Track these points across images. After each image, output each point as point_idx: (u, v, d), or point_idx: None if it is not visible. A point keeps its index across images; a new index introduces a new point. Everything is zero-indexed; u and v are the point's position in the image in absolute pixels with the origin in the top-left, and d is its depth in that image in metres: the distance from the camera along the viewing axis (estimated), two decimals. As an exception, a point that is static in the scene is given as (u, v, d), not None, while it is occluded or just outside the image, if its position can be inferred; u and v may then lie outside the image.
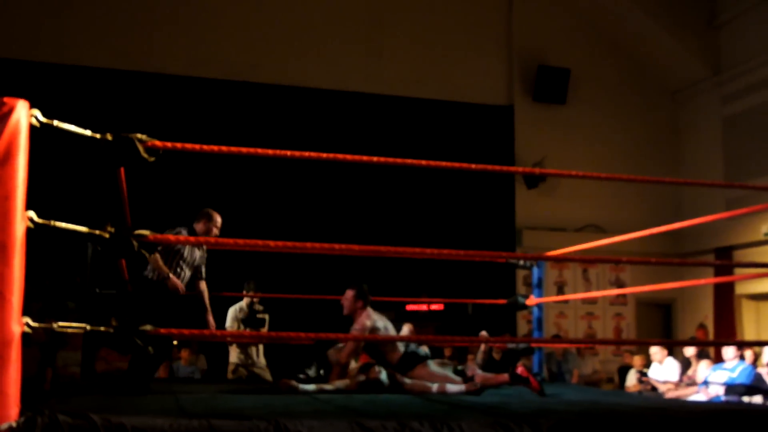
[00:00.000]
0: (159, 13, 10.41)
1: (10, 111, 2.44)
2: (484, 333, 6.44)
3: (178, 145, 2.99)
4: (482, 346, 6.14)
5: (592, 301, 11.72)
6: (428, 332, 9.37)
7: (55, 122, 2.67)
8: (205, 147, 3.07)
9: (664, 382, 8.34)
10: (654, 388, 8.42)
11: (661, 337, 12.09)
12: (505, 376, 5.12)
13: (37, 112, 2.56)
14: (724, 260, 10.67)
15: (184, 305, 4.88)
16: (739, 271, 10.20)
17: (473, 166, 3.57)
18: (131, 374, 4.50)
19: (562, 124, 11.84)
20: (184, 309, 4.85)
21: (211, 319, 5.15)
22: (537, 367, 6.26)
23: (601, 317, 11.79)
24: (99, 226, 2.83)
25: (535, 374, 5.16)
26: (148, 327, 2.84)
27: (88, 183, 7.82)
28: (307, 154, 3.22)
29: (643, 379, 8.65)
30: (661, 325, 12.33)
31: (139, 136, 2.86)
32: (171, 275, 4.74)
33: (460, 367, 5.27)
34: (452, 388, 4.84)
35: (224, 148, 3.11)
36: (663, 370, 8.54)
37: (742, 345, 7.66)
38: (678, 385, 8.24)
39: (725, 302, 11.08)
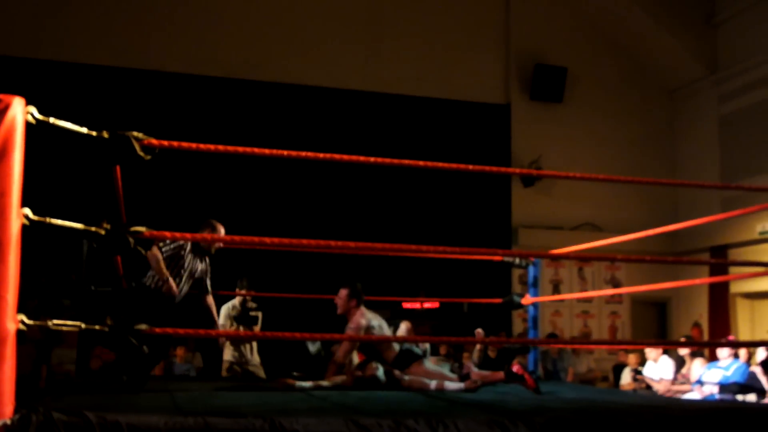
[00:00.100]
0: (158, 11, 10.39)
1: (6, 108, 2.44)
2: (479, 331, 6.44)
3: (175, 143, 2.98)
4: (478, 344, 6.15)
5: (588, 300, 11.74)
6: (424, 330, 9.37)
7: (51, 119, 2.66)
8: (202, 146, 3.07)
9: (659, 381, 8.36)
10: (649, 387, 8.44)
11: (657, 335, 12.11)
12: (501, 374, 5.13)
13: (33, 109, 2.55)
14: (719, 259, 10.70)
15: (181, 314, 4.86)
16: (734, 270, 10.23)
17: (470, 166, 3.57)
18: (119, 371, 4.47)
19: (558, 122, 11.85)
20: (180, 318, 4.83)
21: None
22: (532, 365, 6.27)
23: (597, 316, 11.81)
24: (95, 223, 2.82)
25: (531, 372, 5.16)
26: (143, 326, 2.84)
27: (84, 180, 7.81)
28: (303, 153, 3.22)
29: (638, 377, 8.67)
30: (656, 323, 12.36)
31: (135, 134, 2.85)
32: (170, 278, 4.72)
33: (456, 365, 5.27)
34: (450, 385, 4.84)
35: (221, 147, 3.10)
36: (658, 368, 8.56)
37: (736, 346, 7.67)
38: (672, 383, 8.26)
39: (720, 301, 11.11)
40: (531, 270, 6.32)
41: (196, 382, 5.91)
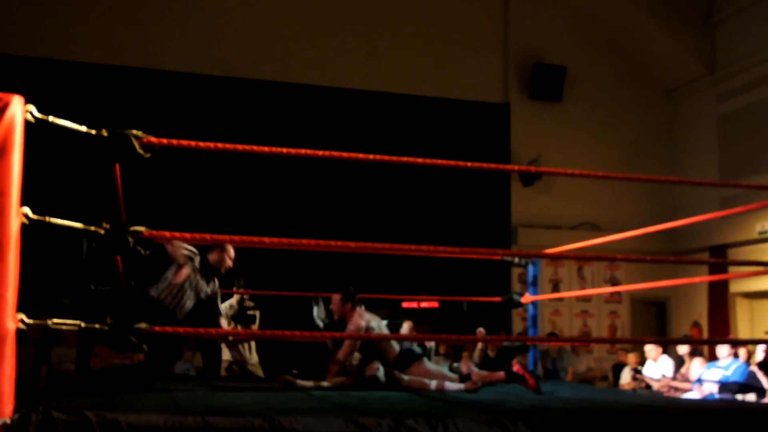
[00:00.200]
0: (157, 9, 10.38)
1: (5, 106, 2.43)
2: (481, 330, 6.44)
3: (174, 141, 2.98)
4: (479, 344, 6.14)
5: (587, 299, 11.74)
6: (424, 329, 9.36)
7: (51, 118, 2.66)
8: (201, 144, 3.07)
9: (659, 380, 8.36)
10: (648, 386, 8.44)
11: (656, 335, 12.12)
12: (502, 374, 5.13)
13: (32, 108, 2.55)
14: (719, 258, 10.70)
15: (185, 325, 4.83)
16: (734, 270, 10.23)
17: (469, 164, 3.57)
18: (141, 372, 4.46)
19: (557, 121, 11.85)
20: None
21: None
22: (532, 364, 6.27)
23: (596, 315, 11.81)
24: (94, 222, 2.82)
25: (531, 372, 5.16)
26: (143, 325, 2.83)
27: (84, 179, 7.80)
28: (303, 151, 3.21)
29: (638, 376, 8.67)
30: (655, 323, 12.36)
31: (134, 132, 2.85)
32: (185, 265, 4.68)
33: (456, 365, 5.27)
34: (451, 386, 4.84)
35: (220, 145, 3.10)
36: (657, 367, 8.56)
37: (735, 344, 7.67)
38: (672, 382, 8.26)
39: (719, 300, 11.11)
40: (530, 269, 6.32)
41: (196, 382, 5.91)
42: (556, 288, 11.57)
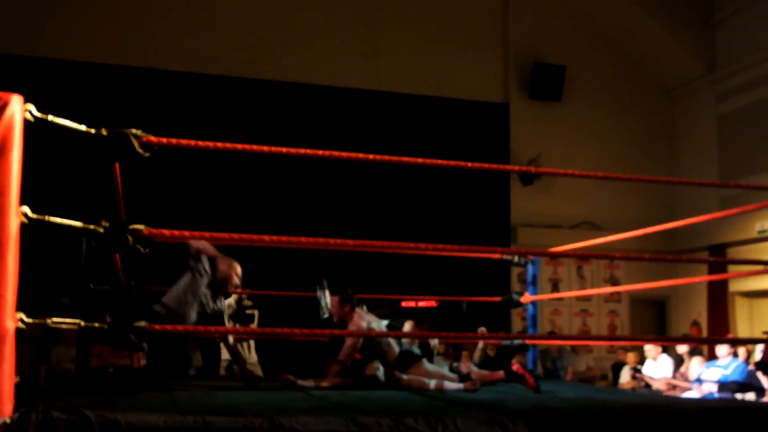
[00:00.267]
0: (157, 8, 10.38)
1: (5, 105, 2.43)
2: (482, 329, 6.43)
3: (173, 140, 2.98)
4: (480, 344, 6.14)
5: (587, 299, 11.75)
6: (423, 329, 9.36)
7: (50, 117, 2.65)
8: (201, 143, 3.06)
9: (658, 379, 8.36)
10: (648, 385, 8.44)
11: (656, 334, 12.12)
12: (502, 374, 5.13)
13: (31, 107, 2.54)
14: (718, 258, 10.71)
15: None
16: (733, 269, 10.23)
17: (469, 164, 3.57)
18: (144, 376, 4.44)
19: (557, 121, 11.86)
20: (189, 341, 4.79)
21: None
22: (531, 364, 6.27)
23: (596, 314, 11.81)
24: (94, 221, 2.82)
25: (531, 371, 5.16)
26: (142, 323, 2.83)
27: (83, 178, 7.80)
28: (302, 151, 3.21)
29: (637, 375, 8.67)
30: (655, 322, 12.37)
31: (134, 131, 2.85)
32: (213, 258, 4.66)
33: (455, 364, 5.27)
34: (450, 385, 4.84)
35: (219, 145, 3.10)
36: (657, 366, 8.56)
37: (734, 343, 7.68)
38: (671, 381, 8.26)
39: (719, 299, 11.12)
40: (530, 268, 6.32)
41: (195, 381, 5.90)
42: (555, 287, 11.57)
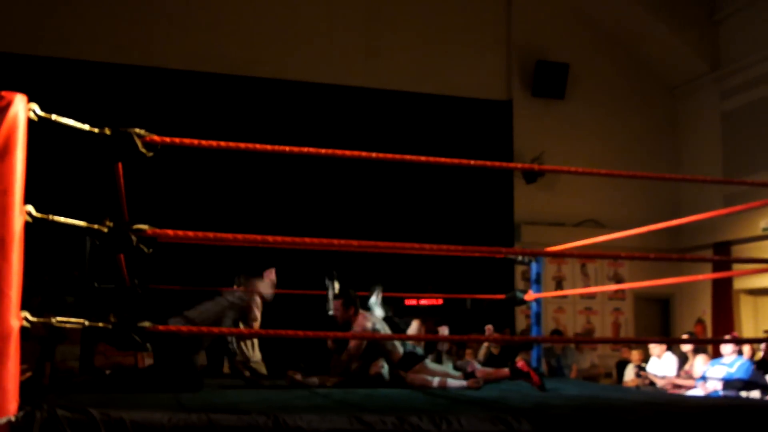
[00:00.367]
0: (159, 7, 10.39)
1: (8, 105, 2.44)
2: (489, 327, 6.43)
3: (177, 140, 2.98)
4: (485, 342, 6.14)
5: (591, 296, 11.74)
6: (428, 327, 9.35)
7: (53, 116, 2.66)
8: (204, 142, 3.06)
9: (662, 377, 8.35)
10: (652, 383, 8.43)
11: (660, 332, 12.10)
12: (506, 371, 5.13)
13: (35, 106, 2.55)
14: (723, 256, 10.68)
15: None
16: (738, 267, 10.20)
17: (472, 162, 3.57)
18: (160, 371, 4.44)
19: (560, 119, 11.84)
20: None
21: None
22: (536, 361, 6.27)
23: (600, 312, 11.80)
24: (97, 220, 2.82)
25: (535, 369, 5.16)
26: (146, 323, 2.83)
27: (87, 177, 7.80)
28: (305, 149, 3.21)
29: (641, 373, 8.66)
30: (659, 320, 12.35)
31: (137, 130, 2.85)
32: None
33: (459, 362, 5.27)
34: (453, 383, 4.84)
35: (222, 144, 3.10)
36: (661, 364, 8.55)
37: (739, 342, 7.66)
38: (676, 379, 8.25)
39: (723, 297, 11.09)
40: (534, 266, 6.32)
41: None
42: (559, 285, 11.56)
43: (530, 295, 6.29)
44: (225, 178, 9.88)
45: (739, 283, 10.97)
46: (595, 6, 12.07)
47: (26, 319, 2.47)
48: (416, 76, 11.21)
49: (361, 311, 5.32)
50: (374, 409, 3.16)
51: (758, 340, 8.85)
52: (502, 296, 6.57)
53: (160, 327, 2.93)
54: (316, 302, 6.62)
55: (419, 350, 5.26)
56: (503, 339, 7.74)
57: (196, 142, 3.05)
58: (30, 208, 2.53)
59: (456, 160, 3.56)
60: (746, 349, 7.81)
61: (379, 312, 5.68)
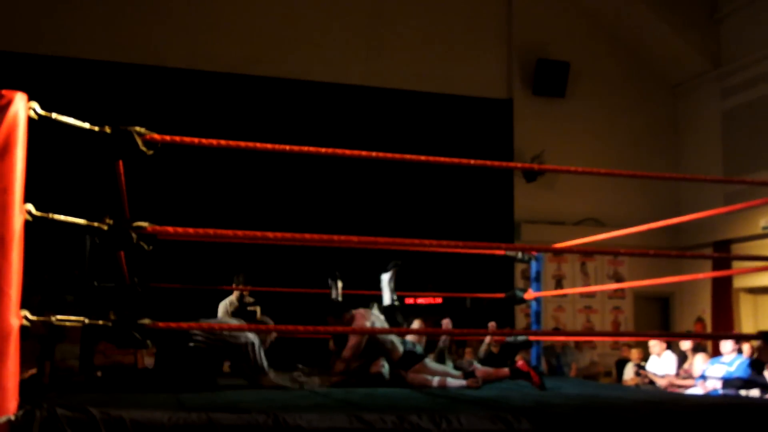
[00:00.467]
0: (159, 6, 10.39)
1: (9, 103, 2.44)
2: (493, 324, 6.41)
3: (177, 138, 2.98)
4: (487, 339, 6.14)
5: (591, 295, 11.74)
6: (428, 326, 9.34)
7: (54, 115, 2.66)
8: (204, 140, 3.06)
9: (662, 376, 8.35)
10: (652, 382, 8.43)
11: (659, 330, 12.09)
12: (506, 371, 5.13)
13: (35, 105, 2.55)
14: (723, 254, 10.68)
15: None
16: (737, 265, 10.19)
17: (473, 161, 3.57)
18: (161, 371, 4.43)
19: (561, 117, 11.84)
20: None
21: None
22: (535, 360, 6.27)
23: (600, 311, 11.81)
24: (97, 218, 2.82)
25: (535, 368, 5.16)
26: (146, 321, 2.83)
27: (87, 176, 7.80)
28: (306, 148, 3.21)
29: (641, 372, 8.66)
30: (659, 318, 12.35)
31: (137, 129, 2.85)
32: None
33: (459, 361, 5.27)
34: (453, 382, 4.84)
35: (223, 142, 3.10)
36: (661, 363, 8.55)
37: (739, 339, 7.66)
38: (675, 378, 8.25)
39: (723, 296, 11.09)
40: (533, 265, 6.32)
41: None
42: (559, 284, 11.56)
43: (530, 294, 6.29)
44: (225, 176, 9.89)
45: (739, 282, 10.97)
46: (596, 4, 12.07)
47: (26, 317, 2.47)
48: (417, 75, 11.20)
49: (359, 309, 5.31)
50: (374, 408, 3.16)
51: (754, 336, 8.83)
52: (501, 295, 6.58)
53: (160, 324, 2.93)
54: (318, 300, 6.62)
55: (419, 349, 5.26)
56: (503, 333, 7.73)
57: (196, 140, 3.05)
58: (30, 206, 2.53)
59: (456, 159, 3.56)
60: (746, 347, 7.80)
61: (386, 295, 5.62)
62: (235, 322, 6.33)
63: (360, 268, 6.66)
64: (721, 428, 3.15)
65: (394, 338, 5.15)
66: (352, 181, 10.41)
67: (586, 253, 11.60)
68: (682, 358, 8.63)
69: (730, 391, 7.20)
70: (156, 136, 2.88)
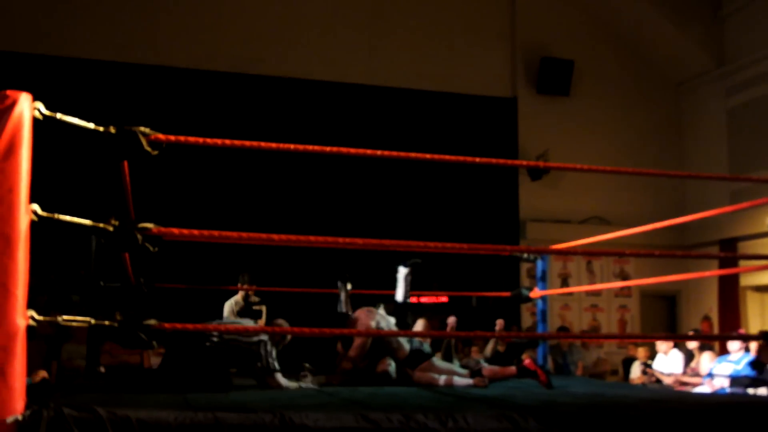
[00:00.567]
0: (161, 6, 10.40)
1: (14, 104, 2.44)
2: (500, 322, 6.41)
3: (181, 138, 2.97)
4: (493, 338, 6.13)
5: (597, 294, 11.72)
6: (434, 324, 9.34)
7: (59, 115, 2.66)
8: (208, 140, 3.06)
9: (669, 374, 8.33)
10: (658, 380, 8.41)
11: (666, 329, 12.07)
12: (513, 369, 5.12)
13: (40, 105, 2.55)
14: (729, 252, 10.64)
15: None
16: (744, 263, 10.15)
17: (477, 159, 3.56)
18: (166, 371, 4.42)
19: (565, 116, 11.81)
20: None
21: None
22: (542, 359, 6.26)
23: (606, 309, 11.78)
24: (103, 219, 2.82)
25: (541, 367, 5.15)
26: (152, 321, 2.84)
27: (92, 176, 7.81)
28: (310, 147, 3.21)
29: (648, 370, 8.64)
30: (665, 317, 12.32)
31: (142, 129, 2.85)
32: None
33: (466, 360, 5.27)
34: (459, 381, 4.84)
35: (227, 142, 3.10)
36: (667, 361, 8.53)
37: (746, 339, 7.64)
38: (682, 376, 8.23)
39: (730, 294, 11.06)
40: (539, 264, 6.31)
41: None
42: (565, 283, 11.54)
43: (536, 293, 6.28)
44: (229, 176, 9.89)
45: (746, 280, 10.94)
46: (599, 2, 12.04)
47: (32, 317, 2.47)
48: (420, 74, 11.19)
49: (363, 308, 5.31)
50: (380, 407, 3.15)
51: (755, 337, 8.80)
52: (507, 294, 6.57)
53: (166, 325, 2.93)
54: (324, 300, 6.62)
55: (426, 348, 5.25)
56: (510, 335, 7.72)
57: (200, 140, 3.05)
58: (36, 207, 2.53)
59: (461, 158, 3.55)
60: (753, 346, 7.78)
61: (401, 289, 5.60)
62: (246, 321, 6.35)
63: (365, 267, 6.67)
64: (728, 427, 3.14)
65: (400, 337, 5.16)
66: (357, 180, 10.41)
67: (592, 253, 11.60)
68: (689, 356, 8.60)
69: (738, 390, 7.18)
70: (161, 136, 2.88)
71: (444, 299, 10.45)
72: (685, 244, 11.47)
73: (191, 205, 9.44)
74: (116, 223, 2.81)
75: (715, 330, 10.79)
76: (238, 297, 7.17)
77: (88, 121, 2.82)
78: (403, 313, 5.56)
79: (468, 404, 3.61)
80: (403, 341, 5.13)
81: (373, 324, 5.18)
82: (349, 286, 5.67)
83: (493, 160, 3.77)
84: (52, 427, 2.40)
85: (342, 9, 11.12)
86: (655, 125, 12.31)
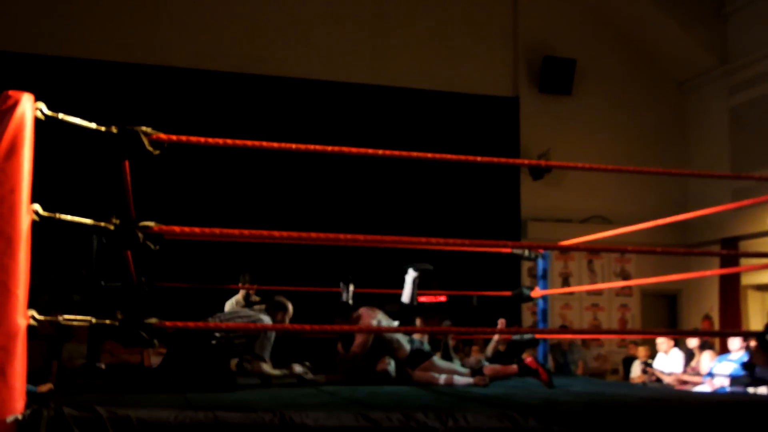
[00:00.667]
0: (162, 5, 10.39)
1: (15, 104, 2.44)
2: (503, 321, 6.40)
3: (183, 138, 2.98)
4: (495, 336, 6.14)
5: (598, 293, 11.71)
6: (434, 324, 9.34)
7: (60, 115, 2.66)
8: (210, 140, 3.07)
9: (669, 374, 8.33)
10: (659, 379, 8.41)
11: (667, 327, 12.07)
12: (515, 368, 5.12)
13: (42, 105, 2.55)
14: (730, 251, 10.64)
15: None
16: (745, 262, 10.18)
17: (479, 158, 3.56)
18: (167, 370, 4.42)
19: (567, 115, 11.81)
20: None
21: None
22: (542, 358, 6.26)
23: (607, 309, 11.78)
24: (104, 218, 2.83)
25: (542, 365, 5.15)
26: (153, 320, 2.84)
27: (94, 176, 7.82)
28: (312, 147, 3.21)
29: (648, 369, 8.64)
30: (666, 316, 12.32)
31: (143, 128, 2.85)
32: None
33: (466, 360, 5.27)
34: (460, 380, 4.84)
35: (229, 141, 3.11)
36: (668, 360, 8.53)
37: (746, 336, 7.63)
38: (683, 375, 8.23)
39: (731, 293, 11.05)
40: (540, 263, 6.31)
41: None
42: (566, 282, 11.54)
43: (537, 292, 6.28)
44: (231, 175, 9.89)
45: (747, 279, 10.94)
46: (601, 1, 12.03)
47: (33, 317, 2.48)
48: (422, 73, 11.19)
49: (365, 307, 5.32)
50: (380, 406, 3.16)
51: (752, 334, 8.80)
52: (508, 293, 6.57)
53: (167, 323, 2.93)
54: (324, 299, 6.62)
55: (427, 347, 5.26)
56: (510, 331, 7.72)
57: (202, 139, 3.06)
58: (37, 206, 2.53)
59: (462, 157, 3.56)
60: (753, 345, 7.77)
61: (407, 291, 5.60)
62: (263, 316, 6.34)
63: (367, 266, 6.67)
64: (729, 426, 3.14)
65: (401, 337, 5.16)
66: (359, 180, 10.41)
67: (593, 250, 11.59)
68: (690, 355, 8.60)
69: (738, 389, 7.18)
70: (162, 135, 2.89)
71: (443, 299, 10.45)
72: (686, 243, 11.46)
73: (193, 205, 9.44)
74: (117, 221, 2.82)
75: (716, 329, 10.79)
76: (240, 296, 7.17)
77: (90, 121, 2.82)
78: (409, 316, 5.56)
79: (468, 403, 3.61)
80: (404, 341, 5.14)
81: (374, 323, 5.19)
82: (351, 287, 5.67)
83: (495, 159, 3.77)
84: (52, 426, 2.41)
85: (344, 8, 11.11)
86: (658, 124, 12.30)
